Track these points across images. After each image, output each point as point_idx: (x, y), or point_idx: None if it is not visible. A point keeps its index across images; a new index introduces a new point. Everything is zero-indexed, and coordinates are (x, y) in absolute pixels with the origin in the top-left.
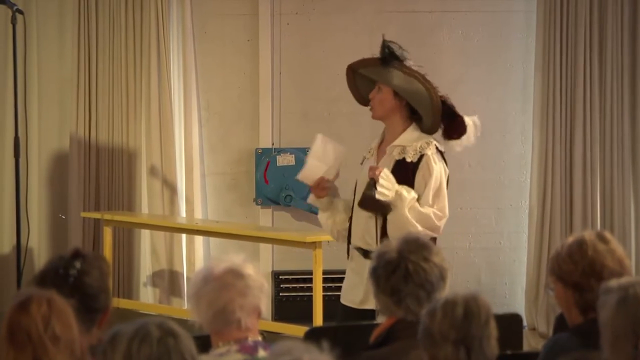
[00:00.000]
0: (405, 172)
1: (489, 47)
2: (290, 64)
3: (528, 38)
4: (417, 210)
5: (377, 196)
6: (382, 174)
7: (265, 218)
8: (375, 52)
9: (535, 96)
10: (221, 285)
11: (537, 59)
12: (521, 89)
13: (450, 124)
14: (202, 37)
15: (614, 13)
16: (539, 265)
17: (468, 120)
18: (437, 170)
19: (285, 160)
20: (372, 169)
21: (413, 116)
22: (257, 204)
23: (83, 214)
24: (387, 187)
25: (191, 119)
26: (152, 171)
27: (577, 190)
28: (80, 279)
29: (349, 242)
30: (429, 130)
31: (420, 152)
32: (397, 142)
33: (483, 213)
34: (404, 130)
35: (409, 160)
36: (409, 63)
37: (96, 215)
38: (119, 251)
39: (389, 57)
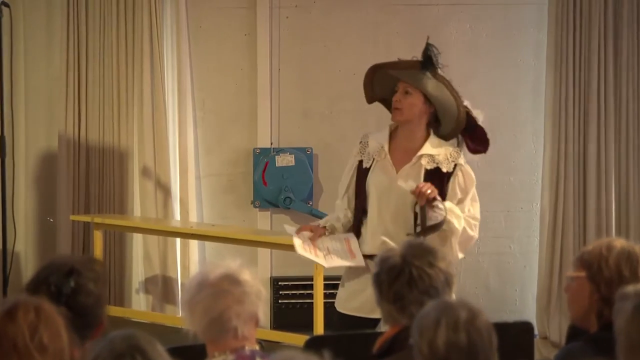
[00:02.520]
0: (440, 181)
1: (499, 42)
2: (290, 60)
3: (540, 32)
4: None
5: (438, 218)
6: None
7: (264, 221)
8: (379, 47)
9: (547, 93)
10: (217, 292)
11: (549, 54)
12: (532, 86)
13: (473, 138)
14: (197, 31)
15: (630, 6)
16: (551, 271)
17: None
18: (473, 179)
19: (285, 160)
20: (423, 190)
21: (433, 123)
22: (255, 206)
23: (72, 217)
24: (442, 207)
25: (186, 118)
26: (145, 172)
27: (591, 192)
28: (73, 297)
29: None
30: (442, 138)
31: (453, 161)
32: (424, 150)
33: (492, 216)
34: (425, 137)
35: (444, 170)
36: (441, 67)
37: (86, 218)
38: (110, 256)
39: (428, 61)
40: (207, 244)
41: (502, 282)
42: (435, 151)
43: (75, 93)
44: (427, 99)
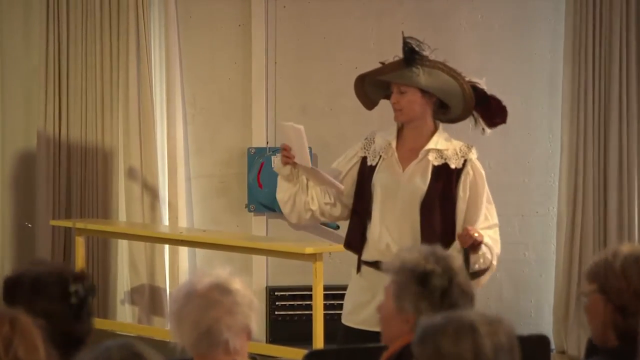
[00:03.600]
0: (449, 179)
1: (512, 34)
2: (287, 53)
3: (556, 23)
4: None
5: (485, 263)
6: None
7: (259, 226)
8: (382, 39)
9: (565, 89)
10: (206, 303)
11: (566, 46)
12: (548, 81)
13: (487, 110)
14: (187, 21)
15: None
16: (569, 280)
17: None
18: (484, 176)
19: None
20: (471, 234)
21: (440, 110)
22: (249, 210)
23: (52, 222)
24: (489, 254)
25: (175, 115)
26: (131, 174)
27: (612, 195)
28: (85, 302)
29: (360, 255)
30: (454, 120)
31: (462, 156)
32: (430, 145)
33: (505, 221)
34: (432, 132)
35: (453, 166)
36: (427, 52)
37: (67, 223)
38: (93, 264)
39: (411, 55)
40: (198, 251)
41: (516, 292)
42: (444, 146)
43: (56, 87)
44: (425, 91)
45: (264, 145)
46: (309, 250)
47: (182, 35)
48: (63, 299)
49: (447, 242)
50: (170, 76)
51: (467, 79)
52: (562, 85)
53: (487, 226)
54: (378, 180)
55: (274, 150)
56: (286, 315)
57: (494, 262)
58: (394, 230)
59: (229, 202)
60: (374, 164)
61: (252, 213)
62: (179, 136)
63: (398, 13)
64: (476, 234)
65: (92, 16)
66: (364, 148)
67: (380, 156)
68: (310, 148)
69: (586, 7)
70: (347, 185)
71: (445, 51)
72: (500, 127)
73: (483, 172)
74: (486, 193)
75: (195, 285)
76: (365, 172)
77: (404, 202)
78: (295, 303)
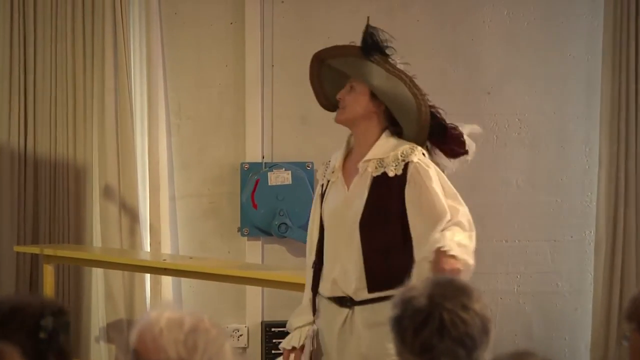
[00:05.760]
0: (388, 190)
1: (543, 32)
2: (286, 55)
3: (594, 19)
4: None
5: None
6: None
7: (253, 253)
8: (398, 37)
9: (604, 96)
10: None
11: (605, 47)
12: (585, 87)
13: (442, 141)
14: (172, 19)
15: None
16: (608, 315)
17: (465, 133)
18: (434, 171)
19: (279, 178)
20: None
21: (391, 128)
22: (242, 234)
23: (17, 248)
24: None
25: (157, 126)
26: (107, 193)
27: None
28: (55, 338)
29: (316, 293)
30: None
31: (403, 159)
32: (370, 155)
33: (535, 246)
34: (378, 139)
35: (391, 174)
36: (395, 60)
37: (34, 249)
38: (64, 296)
39: (372, 47)
40: (184, 281)
41: (547, 328)
42: (385, 153)
43: (21, 95)
44: (376, 96)
45: (259, 160)
46: None
47: (166, 35)
48: (32, 333)
49: (400, 263)
50: (152, 82)
51: (430, 103)
52: (600, 91)
53: (445, 227)
54: (325, 209)
55: (271, 166)
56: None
57: (471, 262)
58: (344, 262)
59: (219, 225)
60: (323, 190)
61: (246, 237)
62: (162, 150)
63: (412, 8)
64: (449, 266)
65: (63, 13)
66: (322, 176)
67: (329, 180)
68: (311, 163)
69: (628, 1)
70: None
71: (466, 52)
72: (529, 140)
73: (430, 169)
74: (439, 188)
75: (152, 331)
76: (320, 203)
77: (350, 226)
78: None
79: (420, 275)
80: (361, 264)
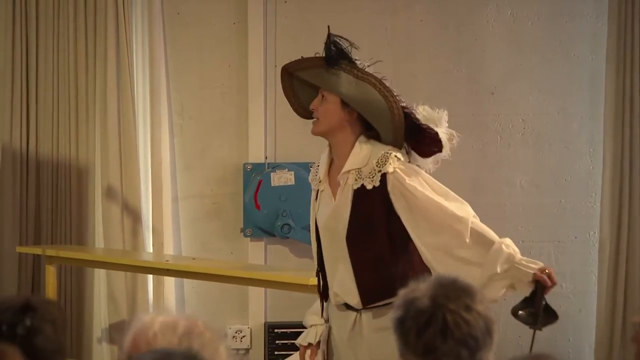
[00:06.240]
0: (370, 202)
1: (547, 33)
2: (289, 54)
3: (598, 20)
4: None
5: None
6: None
7: (256, 254)
8: (398, 37)
9: (608, 96)
10: None
11: (609, 47)
12: (589, 87)
13: (417, 142)
14: (174, 19)
15: None
16: (612, 316)
17: (440, 133)
18: (415, 176)
19: (283, 179)
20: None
21: (367, 133)
22: (245, 235)
23: (19, 249)
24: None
25: (160, 127)
26: (109, 194)
27: None
28: (29, 339)
29: (325, 299)
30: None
31: (379, 169)
32: (347, 166)
33: (539, 247)
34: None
35: (369, 187)
36: (362, 64)
37: (36, 250)
38: (66, 297)
39: (336, 56)
40: (187, 282)
41: (551, 329)
42: (362, 162)
43: (23, 95)
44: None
45: (262, 160)
46: (313, 281)
47: (169, 35)
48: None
49: (390, 272)
50: (155, 82)
51: (402, 104)
52: (604, 91)
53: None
54: (318, 220)
55: (274, 166)
56: (287, 356)
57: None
58: (340, 272)
59: (222, 226)
60: (315, 199)
61: (249, 238)
62: (164, 151)
63: (415, 7)
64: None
65: (65, 12)
66: (312, 180)
67: (318, 189)
68: (314, 163)
69: (632, 1)
70: None
71: (469, 52)
72: (533, 140)
73: (410, 177)
74: (428, 192)
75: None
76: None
77: (340, 239)
78: None
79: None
80: (354, 278)
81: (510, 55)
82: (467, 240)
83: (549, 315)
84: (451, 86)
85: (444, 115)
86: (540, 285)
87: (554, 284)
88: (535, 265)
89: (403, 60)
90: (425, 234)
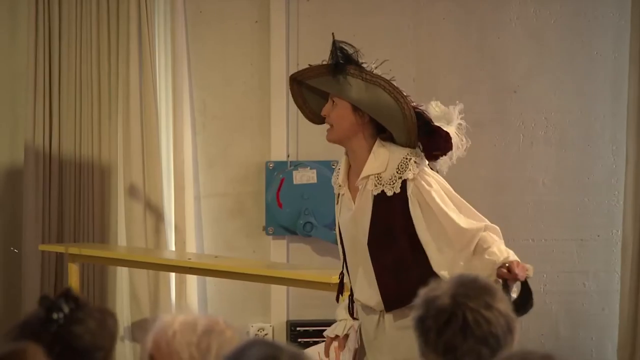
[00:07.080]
0: (391, 208)
1: (570, 30)
2: (311, 53)
3: (621, 18)
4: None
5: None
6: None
7: (278, 252)
8: (421, 36)
9: (631, 93)
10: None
11: (632, 45)
12: (612, 85)
13: (429, 142)
14: (197, 17)
15: None
16: (636, 315)
17: (451, 132)
18: (435, 185)
19: (305, 177)
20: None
21: (381, 135)
22: (267, 233)
23: (42, 247)
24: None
25: (182, 125)
26: (132, 192)
27: None
28: (66, 327)
29: (353, 299)
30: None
31: (399, 176)
32: (365, 171)
33: (561, 246)
34: (369, 153)
35: (389, 193)
36: (370, 67)
37: (59, 248)
38: (88, 295)
39: (343, 61)
40: (209, 280)
41: (574, 328)
42: (381, 167)
43: (46, 93)
44: (358, 108)
45: (284, 158)
46: (335, 279)
47: (191, 33)
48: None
49: (413, 277)
50: (177, 80)
51: (413, 103)
52: (627, 90)
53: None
54: (341, 225)
55: (296, 165)
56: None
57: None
58: (361, 277)
59: (245, 224)
60: (337, 203)
61: (271, 236)
62: (186, 149)
63: (438, 6)
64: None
65: (88, 11)
66: (334, 184)
67: (339, 193)
68: (337, 161)
69: None
70: None
71: (491, 50)
72: (556, 139)
73: (432, 187)
74: (444, 203)
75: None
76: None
77: (361, 244)
78: (320, 340)
79: None
80: (376, 284)
81: (533, 54)
82: (471, 252)
83: (520, 309)
84: (473, 85)
85: (456, 111)
86: (504, 282)
87: (513, 276)
88: (497, 262)
89: (425, 59)
90: (445, 247)
